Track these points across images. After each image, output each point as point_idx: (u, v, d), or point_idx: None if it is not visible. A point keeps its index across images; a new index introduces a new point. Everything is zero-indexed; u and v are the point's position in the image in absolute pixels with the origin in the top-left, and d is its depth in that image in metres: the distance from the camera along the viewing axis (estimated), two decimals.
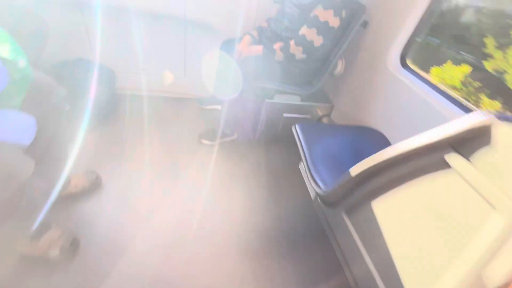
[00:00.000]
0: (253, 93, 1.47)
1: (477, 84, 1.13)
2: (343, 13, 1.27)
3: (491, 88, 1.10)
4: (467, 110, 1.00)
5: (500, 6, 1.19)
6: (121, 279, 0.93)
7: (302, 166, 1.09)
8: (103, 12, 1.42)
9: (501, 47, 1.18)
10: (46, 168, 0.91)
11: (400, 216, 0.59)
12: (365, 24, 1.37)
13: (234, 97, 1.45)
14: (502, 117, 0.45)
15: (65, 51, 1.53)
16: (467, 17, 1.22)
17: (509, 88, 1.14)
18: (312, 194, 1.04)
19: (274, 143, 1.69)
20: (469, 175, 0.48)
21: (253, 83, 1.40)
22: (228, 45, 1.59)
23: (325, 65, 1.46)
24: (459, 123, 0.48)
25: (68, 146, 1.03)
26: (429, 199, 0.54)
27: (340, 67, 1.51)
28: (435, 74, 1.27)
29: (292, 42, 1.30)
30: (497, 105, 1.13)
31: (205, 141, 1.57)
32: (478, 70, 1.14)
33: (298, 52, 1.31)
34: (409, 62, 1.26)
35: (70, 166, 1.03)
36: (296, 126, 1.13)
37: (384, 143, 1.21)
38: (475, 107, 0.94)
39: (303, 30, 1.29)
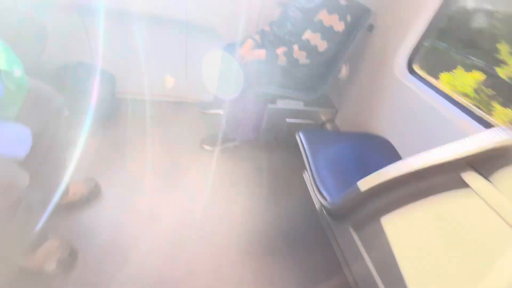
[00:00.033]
0: (255, 98, 1.44)
1: (489, 91, 1.09)
2: (348, 18, 1.24)
3: (504, 95, 1.07)
4: (477, 118, 0.97)
5: None
6: None
7: (306, 175, 1.06)
8: (103, 16, 1.40)
9: None
10: (43, 177, 0.88)
11: (413, 236, 0.56)
12: (370, 28, 1.34)
13: (236, 102, 1.42)
14: None
15: (65, 55, 1.51)
16: (478, 21, 1.18)
17: None
18: (317, 205, 1.00)
19: (277, 149, 1.66)
20: (489, 196, 0.45)
21: (256, 88, 1.38)
22: (230, 49, 1.57)
23: (329, 70, 1.43)
24: (479, 140, 0.45)
25: (66, 154, 1.01)
26: (445, 220, 0.51)
27: (344, 71, 1.48)
28: (445, 81, 1.23)
29: (295, 47, 1.27)
30: (511, 113, 1.09)
31: (206, 147, 1.55)
32: (490, 76, 1.10)
33: (301, 57, 1.28)
34: (416, 68, 1.23)
35: (69, 174, 1.01)
36: (300, 133, 1.10)
37: (391, 151, 1.18)
38: (487, 116, 0.91)
39: (307, 35, 1.26)
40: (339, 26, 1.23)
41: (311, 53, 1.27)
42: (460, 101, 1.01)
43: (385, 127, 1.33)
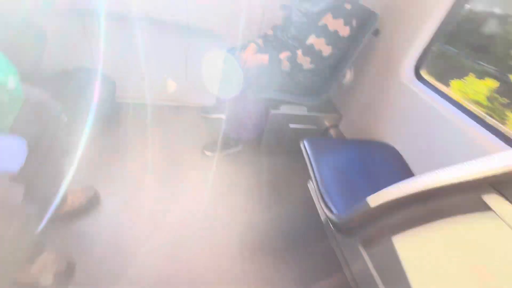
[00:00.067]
0: (258, 104, 1.41)
1: (504, 100, 1.05)
2: (354, 22, 1.21)
3: None
4: (490, 127, 0.93)
5: None
6: None
7: (311, 185, 1.02)
8: (103, 20, 1.38)
9: None
10: (39, 188, 0.86)
11: (428, 258, 0.53)
12: (376, 33, 1.31)
13: (238, 107, 1.40)
14: None
15: (65, 59, 1.49)
16: (490, 25, 1.14)
17: None
18: (322, 216, 0.97)
19: (280, 155, 1.63)
20: None
21: (258, 94, 1.35)
22: (232, 53, 1.54)
23: (334, 75, 1.40)
24: (503, 160, 0.41)
25: (64, 161, 0.98)
26: (464, 244, 0.47)
27: (348, 76, 1.45)
28: (456, 88, 1.19)
29: (299, 52, 1.24)
30: None
31: (208, 153, 1.52)
32: (503, 83, 1.06)
33: (305, 62, 1.25)
34: (423, 73, 1.19)
35: (67, 182, 0.98)
36: (305, 142, 1.07)
37: (398, 159, 1.14)
38: (500, 125, 0.87)
39: (311, 40, 1.23)
40: (344, 31, 1.20)
41: (315, 58, 1.24)
42: (471, 109, 0.98)
43: (391, 134, 1.29)
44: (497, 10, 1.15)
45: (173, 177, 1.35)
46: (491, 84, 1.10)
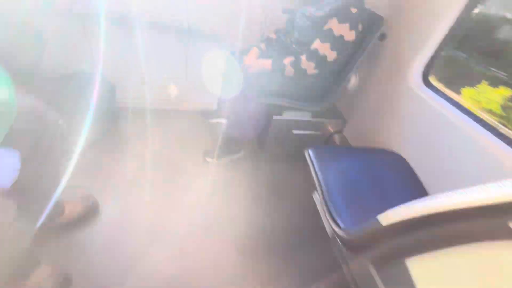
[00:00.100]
0: (261, 109, 1.38)
1: None
2: (360, 27, 1.18)
3: None
4: (503, 137, 0.89)
5: None
6: None
7: (316, 196, 0.99)
8: (103, 24, 1.36)
9: None
10: (35, 199, 0.82)
11: (446, 287, 0.49)
12: (382, 37, 1.27)
13: (240, 112, 1.36)
14: None
15: (65, 62, 1.46)
16: (503, 30, 1.10)
17: None
18: (328, 229, 0.93)
19: (283, 161, 1.59)
20: None
21: (261, 99, 1.31)
22: (234, 58, 1.51)
23: (338, 80, 1.36)
24: None
25: (61, 169, 0.95)
26: (487, 274, 0.44)
27: (353, 81, 1.41)
28: (468, 96, 1.15)
29: (303, 57, 1.21)
30: None
31: (209, 159, 1.48)
32: None
33: (309, 68, 1.22)
34: (432, 79, 1.15)
35: (64, 192, 0.95)
36: (309, 151, 1.03)
37: (407, 169, 1.10)
38: None
39: (316, 44, 1.19)
40: (350, 36, 1.17)
41: (320, 64, 1.21)
42: (483, 117, 0.94)
43: (398, 141, 1.26)
44: (510, 15, 1.11)
45: (173, 185, 1.31)
46: (505, 92, 1.06)
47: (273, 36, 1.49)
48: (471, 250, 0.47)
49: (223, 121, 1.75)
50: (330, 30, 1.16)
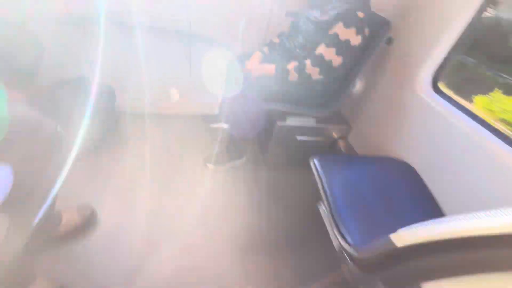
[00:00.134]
0: (264, 115, 1.34)
1: None
2: (366, 31, 1.14)
3: None
4: None
5: None
6: None
7: (322, 208, 0.95)
8: (102, 28, 1.33)
9: None
10: (29, 211, 0.79)
11: None
12: (389, 42, 1.23)
13: (242, 117, 1.33)
14: None
15: (64, 67, 1.44)
16: None
17: None
18: (335, 242, 0.89)
19: (285, 167, 1.56)
20: None
21: (264, 105, 1.28)
22: (236, 62, 1.47)
23: (343, 85, 1.33)
24: None
25: (58, 178, 0.91)
26: None
27: (359, 87, 1.38)
28: (480, 105, 1.11)
29: (308, 62, 1.17)
30: None
31: (210, 166, 1.45)
32: None
33: (314, 73, 1.18)
34: (441, 86, 1.11)
35: (61, 201, 0.92)
36: (315, 159, 1.00)
37: (416, 179, 1.06)
38: None
39: (321, 49, 1.16)
40: (356, 40, 1.13)
41: (325, 69, 1.17)
42: (496, 127, 0.90)
43: (405, 149, 1.22)
44: None
45: (174, 192, 1.28)
46: None
47: (277, 40, 1.45)
48: (494, 280, 0.44)
49: (225, 126, 1.72)
50: (336, 34, 1.12)
